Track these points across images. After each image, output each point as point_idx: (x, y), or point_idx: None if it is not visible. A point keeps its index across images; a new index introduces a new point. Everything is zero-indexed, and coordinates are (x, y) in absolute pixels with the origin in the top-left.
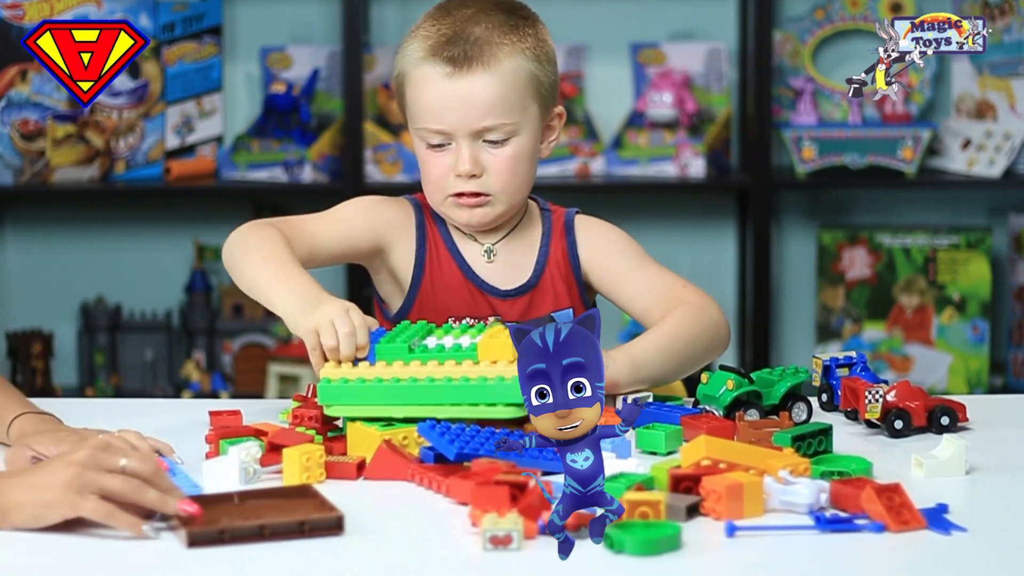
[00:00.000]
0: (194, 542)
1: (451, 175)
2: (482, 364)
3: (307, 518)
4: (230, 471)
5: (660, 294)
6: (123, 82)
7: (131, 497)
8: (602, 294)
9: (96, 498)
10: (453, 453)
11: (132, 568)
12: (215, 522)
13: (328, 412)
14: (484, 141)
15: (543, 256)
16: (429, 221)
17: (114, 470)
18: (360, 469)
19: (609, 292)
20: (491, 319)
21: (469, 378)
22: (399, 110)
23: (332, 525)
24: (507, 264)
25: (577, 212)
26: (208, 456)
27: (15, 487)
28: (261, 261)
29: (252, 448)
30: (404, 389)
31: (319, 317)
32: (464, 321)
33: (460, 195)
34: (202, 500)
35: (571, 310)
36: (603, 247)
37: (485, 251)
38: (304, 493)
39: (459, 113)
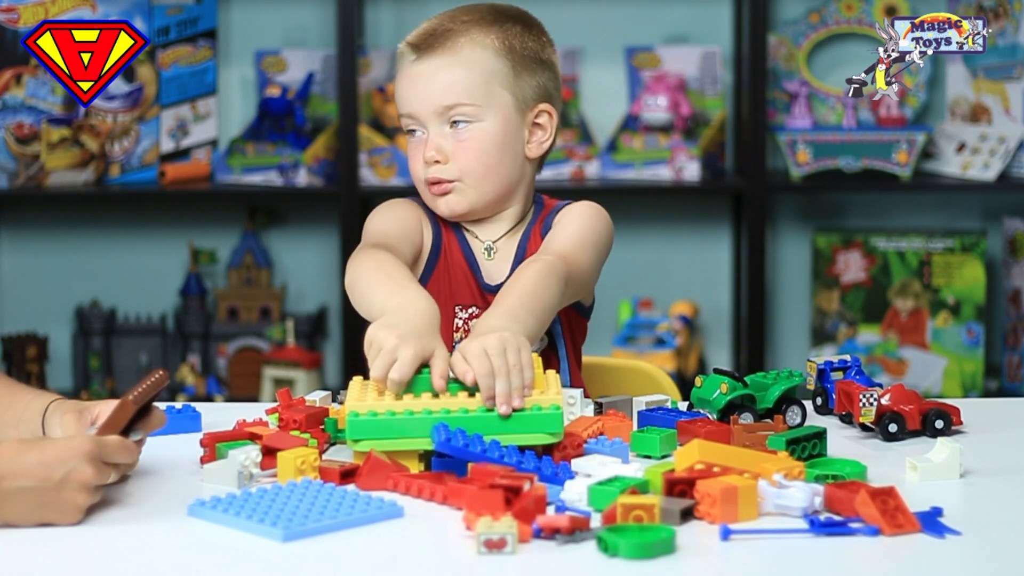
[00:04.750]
0: None
1: (423, 164)
2: None
3: None
4: (229, 474)
5: None
6: (118, 86)
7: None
8: None
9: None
10: (435, 444)
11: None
12: None
13: (357, 448)
14: (451, 128)
15: (522, 248)
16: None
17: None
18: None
19: None
20: None
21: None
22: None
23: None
24: (502, 260)
25: (571, 202)
26: (203, 460)
27: (21, 497)
28: (376, 278)
29: (252, 452)
30: (437, 422)
31: (376, 334)
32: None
33: (432, 183)
34: None
35: None
36: (568, 217)
37: (485, 248)
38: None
39: (420, 93)
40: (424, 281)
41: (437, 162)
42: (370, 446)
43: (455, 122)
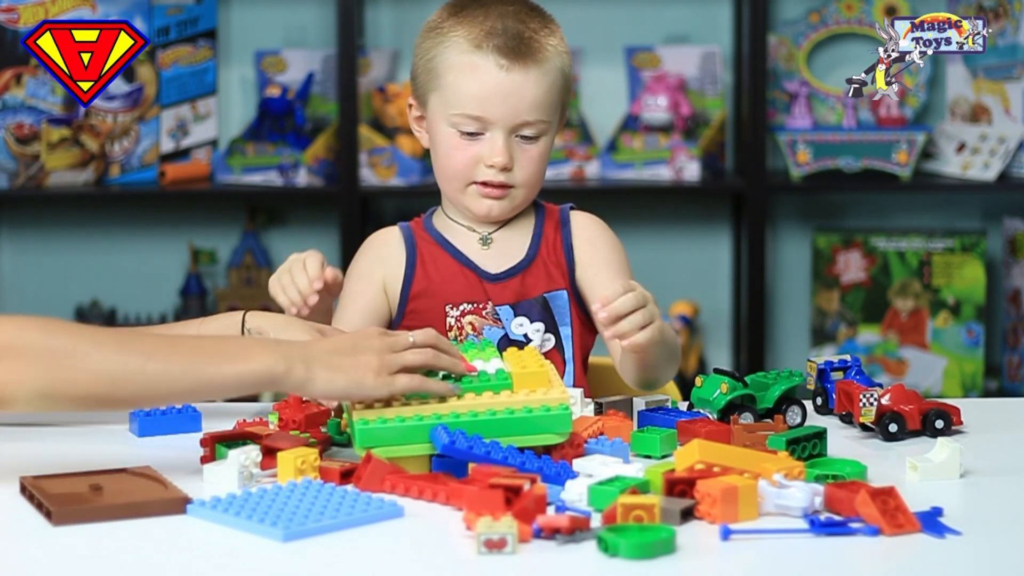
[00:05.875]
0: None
1: (479, 164)
2: (521, 393)
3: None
4: (229, 474)
5: None
6: (118, 86)
7: (430, 365)
8: (576, 284)
9: (405, 375)
10: (440, 446)
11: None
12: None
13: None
14: (517, 136)
15: (536, 241)
16: (417, 227)
17: (407, 347)
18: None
19: (583, 285)
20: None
21: (513, 409)
22: (416, 97)
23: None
24: (500, 250)
25: (572, 208)
26: (203, 460)
27: (323, 364)
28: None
29: (252, 452)
30: (448, 426)
31: (276, 276)
32: (469, 338)
33: (485, 184)
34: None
35: (565, 291)
36: (596, 244)
37: (481, 239)
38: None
39: (506, 106)
40: (404, 294)
41: (505, 168)
42: (384, 455)
43: (524, 134)
